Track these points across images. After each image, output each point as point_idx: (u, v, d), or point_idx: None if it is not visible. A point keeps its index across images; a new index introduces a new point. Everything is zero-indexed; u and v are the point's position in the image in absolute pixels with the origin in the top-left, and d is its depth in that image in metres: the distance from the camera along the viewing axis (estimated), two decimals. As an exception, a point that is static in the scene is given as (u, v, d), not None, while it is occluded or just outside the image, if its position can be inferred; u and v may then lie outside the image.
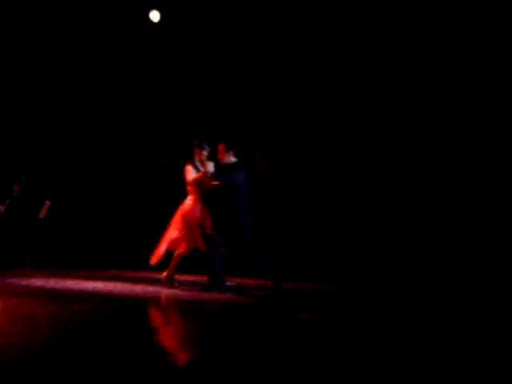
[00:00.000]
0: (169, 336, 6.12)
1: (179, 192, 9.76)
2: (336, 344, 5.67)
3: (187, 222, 9.37)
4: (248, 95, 14.01)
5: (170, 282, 9.39)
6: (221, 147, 9.53)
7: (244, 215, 9.51)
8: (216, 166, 9.44)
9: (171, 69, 14.39)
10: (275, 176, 13.90)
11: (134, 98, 14.75)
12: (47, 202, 13.48)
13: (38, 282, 9.97)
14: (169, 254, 9.47)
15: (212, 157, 9.61)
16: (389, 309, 7.98)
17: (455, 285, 10.06)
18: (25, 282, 9.94)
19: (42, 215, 13.43)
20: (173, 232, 9.40)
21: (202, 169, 9.45)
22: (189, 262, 9.67)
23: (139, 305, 8.23)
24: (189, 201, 9.48)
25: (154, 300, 8.64)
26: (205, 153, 9.57)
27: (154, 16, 13.56)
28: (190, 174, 9.43)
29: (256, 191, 13.85)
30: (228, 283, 9.59)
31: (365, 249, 12.21)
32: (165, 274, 9.42)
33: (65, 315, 6.88)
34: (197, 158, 9.56)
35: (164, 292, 9.13)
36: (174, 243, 9.42)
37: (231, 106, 14.14)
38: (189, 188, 9.49)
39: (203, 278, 9.57)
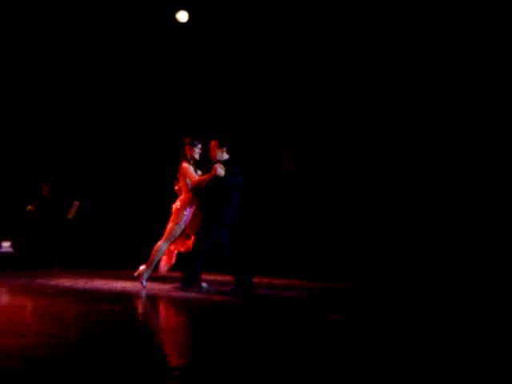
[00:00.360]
0: (200, 336, 6.08)
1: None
2: (364, 343, 5.62)
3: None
4: (276, 95, 14.00)
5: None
6: (213, 144, 9.41)
7: (234, 214, 9.37)
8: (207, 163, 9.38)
9: (193, 68, 14.40)
10: (303, 176, 13.87)
11: (159, 100, 14.77)
12: (76, 203, 13.55)
13: (66, 282, 10.01)
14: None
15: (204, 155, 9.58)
16: (415, 309, 7.92)
17: (483, 285, 9.98)
18: (54, 282, 9.98)
19: (70, 215, 13.49)
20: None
21: (191, 168, 9.34)
22: (215, 262, 9.63)
23: (169, 304, 8.23)
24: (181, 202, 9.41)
25: (186, 300, 8.63)
26: (197, 150, 9.50)
27: (182, 16, 13.56)
28: (192, 173, 9.34)
29: (283, 191, 13.90)
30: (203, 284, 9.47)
31: (392, 248, 12.15)
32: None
33: (94, 315, 6.88)
34: (189, 156, 9.46)
35: (194, 291, 9.11)
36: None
37: (259, 107, 14.13)
38: (183, 187, 9.39)
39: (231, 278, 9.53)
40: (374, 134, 12.89)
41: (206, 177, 9.21)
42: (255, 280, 9.85)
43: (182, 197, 9.39)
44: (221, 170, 9.12)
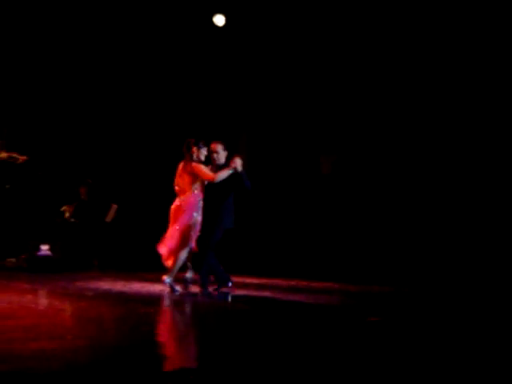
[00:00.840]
0: (243, 340, 6.05)
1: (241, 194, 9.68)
2: (405, 346, 5.55)
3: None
4: (312, 99, 13.97)
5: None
6: (217, 146, 9.31)
7: (231, 216, 9.28)
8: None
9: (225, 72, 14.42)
10: (339, 179, 13.81)
11: (194, 104, 14.78)
12: (114, 206, 13.62)
13: (105, 284, 10.04)
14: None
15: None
16: (458, 312, 7.82)
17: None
18: (92, 284, 10.01)
19: (108, 219, 13.57)
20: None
21: (202, 166, 9.19)
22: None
23: (208, 308, 8.22)
24: (192, 199, 9.23)
25: (222, 302, 8.61)
26: (203, 152, 9.35)
27: (219, 20, 13.55)
28: (205, 169, 9.17)
29: (320, 194, 13.85)
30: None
31: (434, 251, 12.05)
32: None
33: (132, 318, 6.89)
34: (195, 157, 9.25)
35: (230, 293, 9.10)
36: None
37: (296, 110, 14.11)
38: (187, 186, 9.28)
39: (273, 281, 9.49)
40: (409, 134, 12.83)
41: (226, 169, 9.04)
42: (293, 283, 9.81)
43: (183, 197, 9.24)
44: (239, 164, 9.02)
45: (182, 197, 9.23)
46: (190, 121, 14.48)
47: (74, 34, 14.10)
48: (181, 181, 9.32)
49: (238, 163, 8.98)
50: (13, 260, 12.70)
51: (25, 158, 12.34)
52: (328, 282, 10.74)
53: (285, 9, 13.46)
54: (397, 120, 13.02)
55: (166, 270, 9.10)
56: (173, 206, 9.28)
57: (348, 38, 13.28)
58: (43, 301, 8.15)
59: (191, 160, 9.22)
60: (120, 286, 9.98)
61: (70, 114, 14.73)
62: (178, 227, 9.09)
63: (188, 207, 9.17)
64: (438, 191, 12.42)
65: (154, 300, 8.41)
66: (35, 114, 14.39)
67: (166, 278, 9.02)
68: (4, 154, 12.23)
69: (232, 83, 14.48)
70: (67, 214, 13.51)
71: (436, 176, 12.49)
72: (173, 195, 9.43)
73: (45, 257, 12.57)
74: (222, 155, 9.33)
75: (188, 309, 8.23)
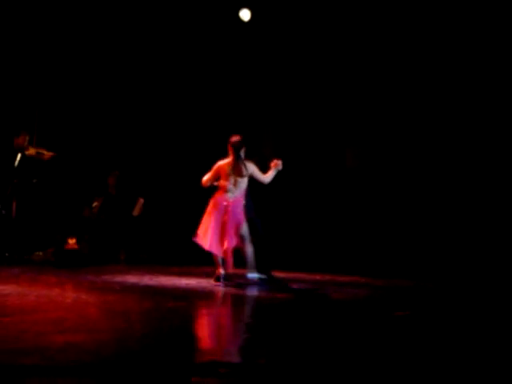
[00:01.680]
0: (271, 333, 6.05)
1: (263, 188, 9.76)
2: (431, 340, 5.53)
3: None
4: (338, 91, 13.93)
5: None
6: (239, 140, 9.47)
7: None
8: None
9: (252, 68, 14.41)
10: (365, 172, 13.76)
11: (219, 100, 14.77)
12: (141, 200, 13.67)
13: (132, 278, 10.08)
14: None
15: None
16: (483, 307, 7.77)
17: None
18: (119, 278, 10.06)
19: (135, 213, 13.62)
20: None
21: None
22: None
23: (234, 301, 8.23)
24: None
25: (249, 297, 8.62)
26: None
27: (244, 15, 13.54)
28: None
29: (345, 187, 13.81)
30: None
31: (461, 246, 11.99)
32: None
33: (159, 311, 6.92)
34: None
35: (257, 289, 9.10)
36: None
37: (321, 103, 14.07)
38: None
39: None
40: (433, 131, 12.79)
41: (272, 170, 9.41)
42: (318, 277, 9.81)
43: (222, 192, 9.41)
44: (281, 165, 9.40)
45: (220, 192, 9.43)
46: (216, 114, 14.51)
47: (97, 29, 14.22)
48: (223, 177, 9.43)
49: (279, 164, 9.36)
50: (40, 254, 12.81)
51: (52, 154, 12.40)
52: (354, 276, 10.72)
53: (308, 3, 13.46)
54: (421, 114, 12.97)
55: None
56: (217, 200, 9.40)
57: (370, 30, 13.27)
58: (70, 294, 8.17)
59: (239, 158, 9.32)
60: (147, 279, 10.01)
61: (97, 108, 14.80)
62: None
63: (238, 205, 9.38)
64: (466, 184, 12.35)
65: (181, 294, 8.43)
66: (62, 107, 14.48)
67: (249, 274, 9.17)
68: (32, 151, 12.31)
69: (257, 77, 14.45)
70: (95, 209, 13.58)
71: (465, 168, 12.42)
72: (198, 188, 9.53)
73: (72, 251, 12.65)
74: (242, 150, 9.45)
75: (212, 302, 8.25)
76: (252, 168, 9.40)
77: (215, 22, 14.06)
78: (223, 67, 14.56)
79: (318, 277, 10.45)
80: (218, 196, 9.47)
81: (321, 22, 13.56)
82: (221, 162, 9.51)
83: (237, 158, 9.37)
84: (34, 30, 13.88)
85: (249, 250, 9.37)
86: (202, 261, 10.48)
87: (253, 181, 9.51)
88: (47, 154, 12.38)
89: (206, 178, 9.55)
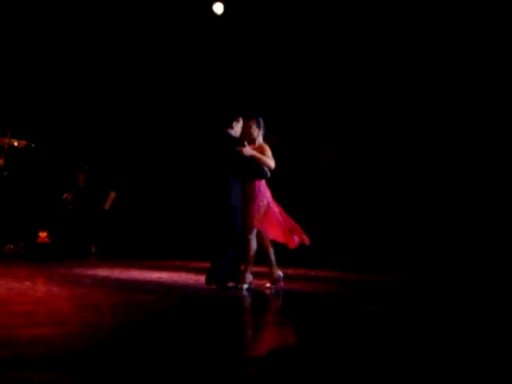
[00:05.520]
0: (239, 326, 6.05)
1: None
2: (404, 334, 5.56)
3: None
4: (312, 87, 13.94)
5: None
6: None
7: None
8: None
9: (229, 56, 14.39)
10: (338, 167, 13.80)
11: (194, 93, 14.73)
12: (112, 193, 13.61)
13: (103, 272, 10.04)
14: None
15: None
16: (452, 299, 7.82)
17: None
18: (90, 271, 10.02)
19: (107, 206, 13.57)
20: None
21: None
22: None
23: (204, 295, 8.21)
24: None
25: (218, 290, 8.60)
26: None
27: (218, 8, 13.51)
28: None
29: (318, 182, 13.84)
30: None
31: (428, 239, 12.08)
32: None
33: (130, 305, 6.90)
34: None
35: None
36: None
37: (297, 98, 14.08)
38: None
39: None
40: (411, 127, 12.85)
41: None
42: (291, 271, 9.81)
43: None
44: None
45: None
46: (182, 105, 14.52)
47: (78, 25, 14.15)
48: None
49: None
50: (11, 247, 12.73)
51: (25, 142, 12.24)
52: (326, 270, 10.74)
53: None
54: (397, 109, 13.03)
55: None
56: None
57: (350, 28, 13.31)
58: (41, 287, 8.15)
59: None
60: (118, 273, 9.98)
61: (68, 101, 14.69)
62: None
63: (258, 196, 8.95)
64: (440, 180, 12.44)
65: (152, 288, 8.40)
66: (34, 100, 14.36)
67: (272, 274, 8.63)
68: (2, 142, 12.18)
69: (237, 70, 14.43)
70: (66, 202, 13.51)
71: (438, 165, 12.51)
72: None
73: (43, 244, 12.59)
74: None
75: (183, 296, 8.23)
76: None
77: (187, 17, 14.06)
78: (197, 60, 14.54)
79: (290, 271, 10.45)
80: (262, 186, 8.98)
81: (296, 16, 13.56)
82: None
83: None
84: (10, 19, 13.75)
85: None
86: (174, 254, 10.47)
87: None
88: (20, 142, 12.20)
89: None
